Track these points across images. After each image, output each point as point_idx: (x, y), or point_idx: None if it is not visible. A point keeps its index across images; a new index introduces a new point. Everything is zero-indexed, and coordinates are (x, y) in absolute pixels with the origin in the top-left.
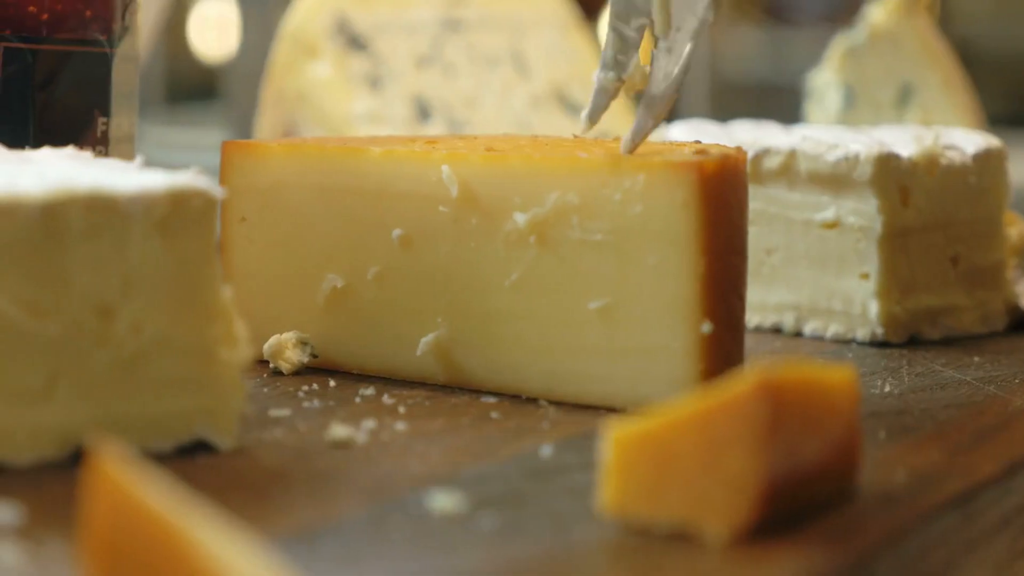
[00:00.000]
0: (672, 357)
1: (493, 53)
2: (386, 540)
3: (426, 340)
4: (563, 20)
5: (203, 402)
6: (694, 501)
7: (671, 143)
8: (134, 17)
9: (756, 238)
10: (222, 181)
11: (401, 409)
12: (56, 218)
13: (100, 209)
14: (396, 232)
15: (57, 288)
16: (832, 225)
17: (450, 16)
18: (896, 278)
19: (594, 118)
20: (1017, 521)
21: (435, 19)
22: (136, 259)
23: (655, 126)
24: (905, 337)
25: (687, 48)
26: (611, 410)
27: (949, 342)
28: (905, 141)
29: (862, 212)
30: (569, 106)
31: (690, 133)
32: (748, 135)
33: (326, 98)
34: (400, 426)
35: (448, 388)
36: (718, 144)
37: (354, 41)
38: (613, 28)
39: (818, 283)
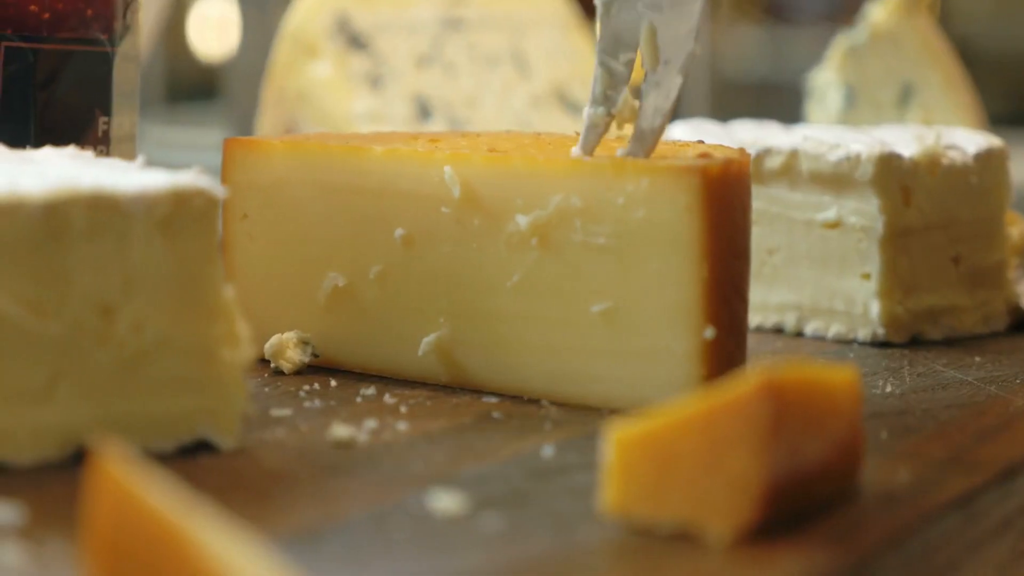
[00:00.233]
0: (674, 360)
1: (493, 52)
2: (387, 540)
3: (428, 340)
4: (564, 20)
5: (205, 402)
6: (696, 501)
7: (674, 144)
8: (135, 16)
9: (758, 238)
10: (224, 178)
11: (403, 409)
12: (58, 218)
13: (102, 209)
14: (398, 232)
15: (59, 288)
16: (834, 225)
17: (451, 15)
18: (898, 278)
19: (587, 152)
20: (1019, 522)
21: (436, 18)
22: (138, 259)
23: (646, 159)
24: (907, 337)
25: (676, 82)
26: (613, 411)
27: (951, 342)
28: (906, 141)
29: (864, 212)
30: (569, 105)
31: (691, 133)
32: (749, 135)
33: (327, 97)
34: (402, 426)
35: (450, 388)
36: (721, 146)
37: (354, 40)
38: (601, 63)
39: (820, 283)
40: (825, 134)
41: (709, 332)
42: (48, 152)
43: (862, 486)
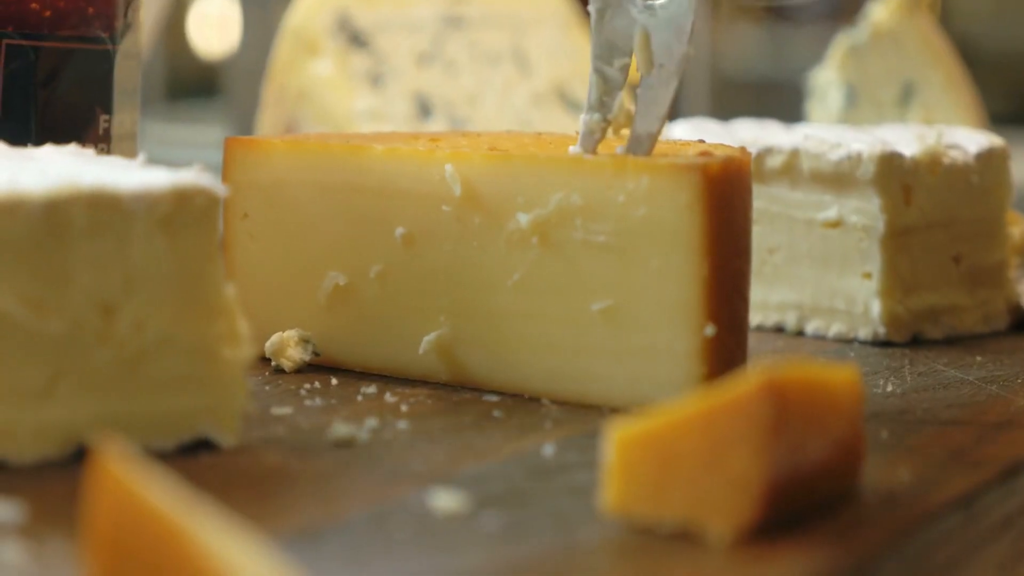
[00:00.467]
0: (675, 359)
1: (494, 51)
2: (388, 539)
3: (428, 339)
4: (564, 18)
5: (205, 400)
6: (697, 501)
7: (675, 142)
8: (136, 14)
9: (759, 237)
10: (224, 177)
11: (403, 408)
12: (59, 216)
13: (103, 207)
14: (399, 230)
15: (59, 286)
16: (835, 224)
17: (451, 13)
18: (898, 277)
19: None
20: (1020, 521)
21: (436, 16)
22: (138, 257)
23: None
24: (907, 336)
25: (672, 85)
26: (614, 410)
27: (951, 341)
28: (907, 140)
29: (865, 211)
30: (570, 104)
31: (692, 131)
32: (750, 134)
33: (327, 95)
34: (402, 425)
35: (450, 387)
36: (722, 145)
37: (355, 38)
38: (596, 70)
39: (820, 282)
40: (826, 133)
41: (709, 330)
42: (49, 150)
43: (862, 486)
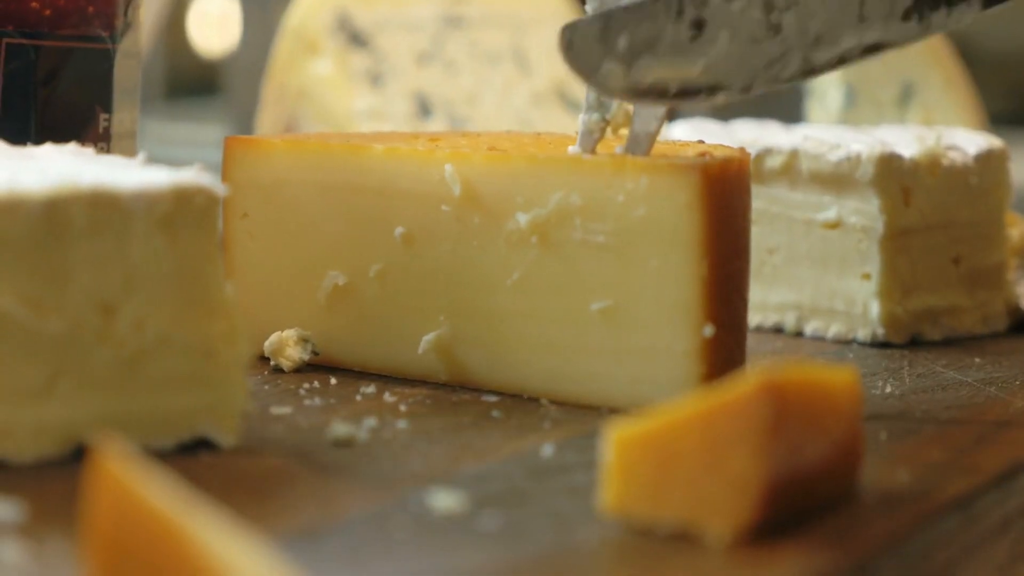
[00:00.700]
0: (674, 359)
1: (494, 50)
2: (388, 539)
3: (428, 338)
4: (564, 18)
5: (205, 399)
6: (696, 501)
7: (674, 143)
8: (136, 13)
9: (758, 238)
10: (224, 176)
11: (402, 407)
12: (58, 215)
13: (102, 206)
14: (398, 230)
15: (59, 285)
16: (834, 225)
17: (451, 13)
18: (897, 278)
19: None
20: (1019, 523)
21: (436, 16)
22: (138, 256)
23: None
24: (906, 338)
25: None
26: (613, 410)
27: (950, 343)
28: (907, 141)
29: (864, 212)
30: (570, 103)
31: (691, 132)
32: (750, 134)
33: (327, 95)
34: (401, 424)
35: (450, 387)
36: (721, 145)
37: (355, 38)
38: None
39: (819, 283)
40: (825, 134)
41: (708, 330)
42: (49, 149)
43: (862, 487)
